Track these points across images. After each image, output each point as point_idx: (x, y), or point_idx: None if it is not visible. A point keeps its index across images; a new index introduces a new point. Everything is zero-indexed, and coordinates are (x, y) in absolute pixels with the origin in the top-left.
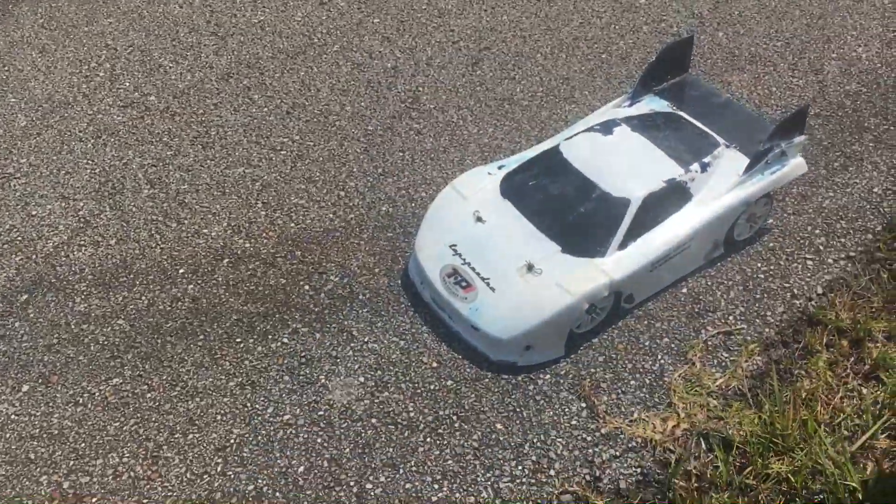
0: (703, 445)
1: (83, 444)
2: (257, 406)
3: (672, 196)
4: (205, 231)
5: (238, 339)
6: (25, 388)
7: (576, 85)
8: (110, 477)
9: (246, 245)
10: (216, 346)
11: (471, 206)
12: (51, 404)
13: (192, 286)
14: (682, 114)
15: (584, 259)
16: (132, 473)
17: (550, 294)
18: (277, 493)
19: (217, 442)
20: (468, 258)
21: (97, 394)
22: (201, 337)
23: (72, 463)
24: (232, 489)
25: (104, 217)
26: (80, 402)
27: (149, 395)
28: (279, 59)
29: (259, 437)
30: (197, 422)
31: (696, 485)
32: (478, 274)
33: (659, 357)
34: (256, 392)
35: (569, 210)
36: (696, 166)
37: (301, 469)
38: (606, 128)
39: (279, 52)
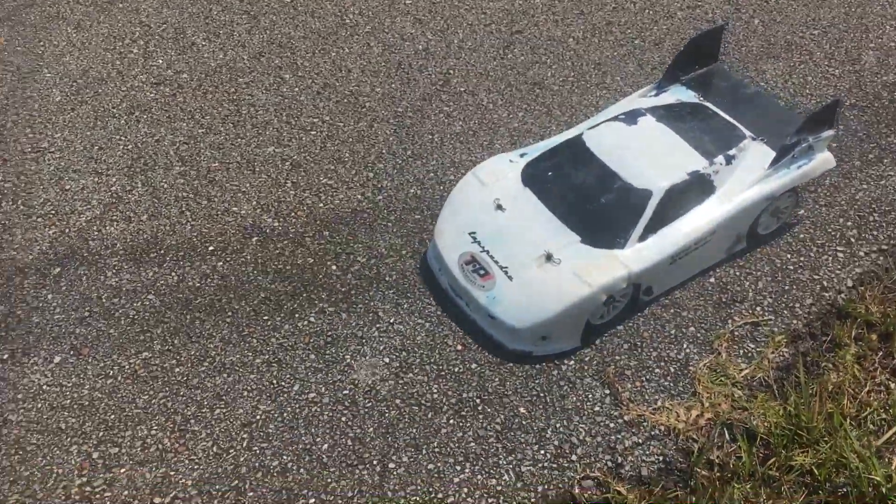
0: (727, 435)
1: (112, 416)
2: (283, 383)
3: (695, 188)
4: (234, 209)
5: (265, 317)
6: (57, 359)
7: (607, 70)
8: (139, 448)
9: (275, 224)
10: (244, 323)
11: (491, 194)
12: (81, 376)
13: (221, 263)
14: (708, 105)
15: (604, 250)
16: (160, 446)
17: (568, 285)
18: (301, 470)
19: (243, 417)
20: (487, 246)
21: (127, 367)
22: (229, 314)
23: (101, 434)
24: (257, 464)
25: (136, 193)
26: (111, 374)
27: (177, 369)
28: (311, 39)
29: (284, 414)
30: (224, 397)
31: (718, 474)
32: (496, 262)
33: (684, 346)
34: (283, 369)
35: (590, 200)
36: (720, 159)
37: (325, 447)
38: (631, 117)
39: (311, 32)
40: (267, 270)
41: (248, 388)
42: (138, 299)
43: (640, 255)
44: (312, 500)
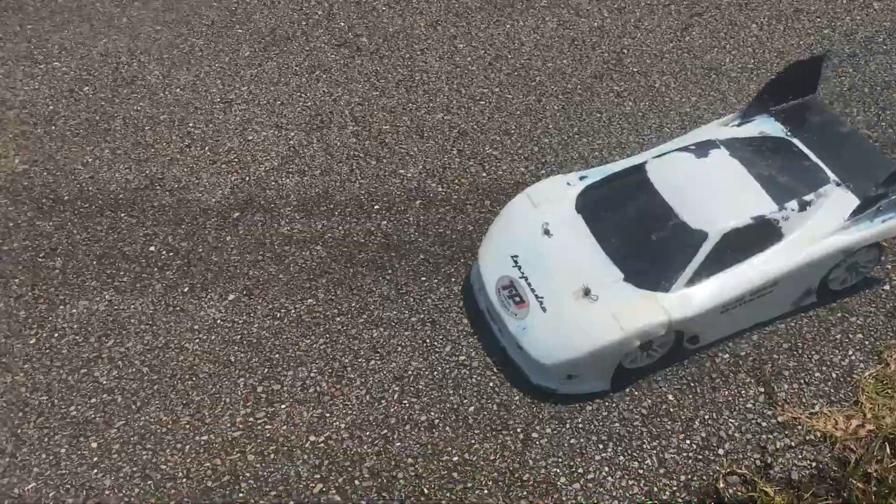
0: (888, 450)
1: (277, 355)
2: (436, 343)
3: (758, 234)
4: (401, 171)
5: (423, 278)
6: (231, 297)
7: (791, 60)
8: (299, 388)
9: (438, 189)
10: (402, 282)
11: (541, 217)
12: (251, 315)
13: (385, 222)
14: (794, 141)
15: (646, 291)
16: (318, 388)
17: (602, 325)
18: (447, 428)
19: (396, 371)
20: (527, 272)
21: (293, 311)
22: (389, 271)
23: (266, 370)
24: (406, 417)
25: (311, 148)
26: (278, 316)
27: (338, 318)
28: (487, 11)
29: (435, 373)
30: (379, 350)
31: (875, 489)
32: (533, 291)
33: (850, 353)
34: (436, 330)
35: (641, 236)
36: (793, 204)
37: (472, 409)
38: (702, 149)
39: (487, 3)
40: (428, 233)
41: (403, 343)
42: (307, 249)
43: (684, 301)
44: (455, 458)
